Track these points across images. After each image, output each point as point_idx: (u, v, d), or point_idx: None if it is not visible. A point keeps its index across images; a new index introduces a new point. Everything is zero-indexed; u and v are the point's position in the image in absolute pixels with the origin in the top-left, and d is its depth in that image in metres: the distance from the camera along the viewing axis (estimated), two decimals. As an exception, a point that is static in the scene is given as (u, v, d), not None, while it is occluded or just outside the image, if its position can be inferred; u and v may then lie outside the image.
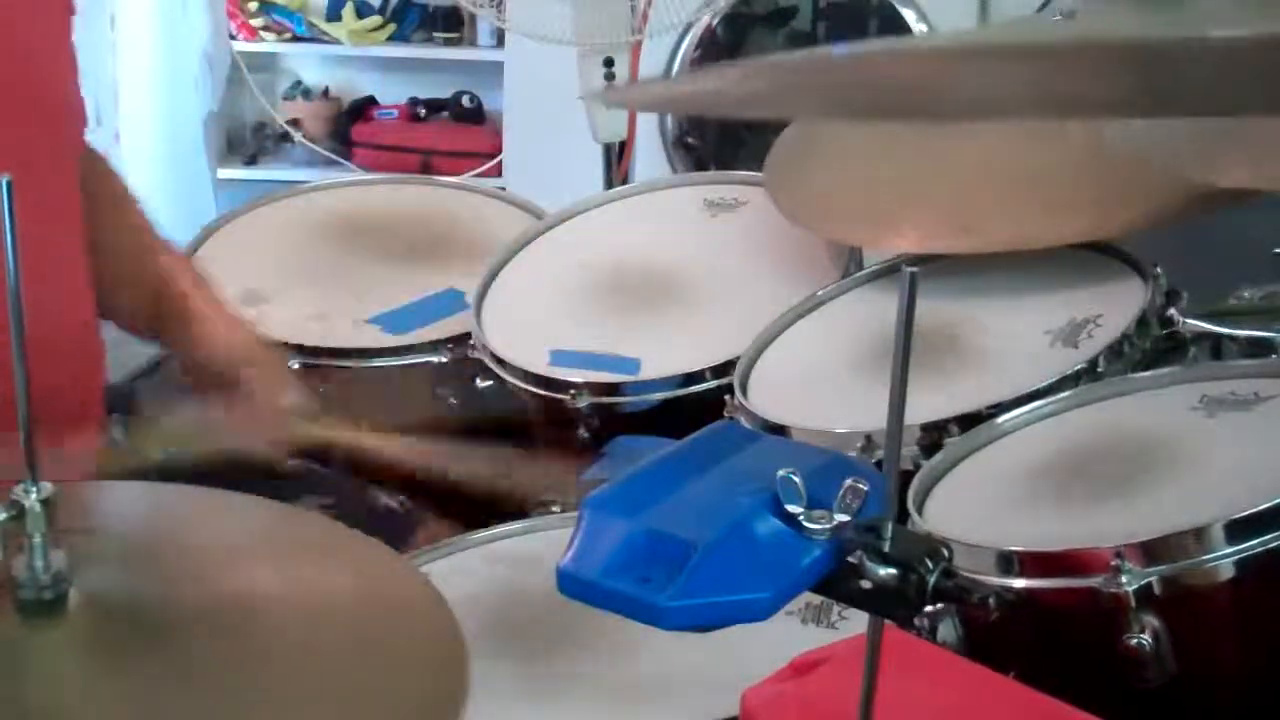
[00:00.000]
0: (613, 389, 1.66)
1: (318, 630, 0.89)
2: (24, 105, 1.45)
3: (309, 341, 1.80)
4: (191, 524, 1.02)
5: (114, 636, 0.85)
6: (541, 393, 1.68)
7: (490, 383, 1.73)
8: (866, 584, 0.82)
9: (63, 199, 1.51)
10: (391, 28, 4.51)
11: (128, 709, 0.82)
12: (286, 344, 1.76)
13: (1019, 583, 1.22)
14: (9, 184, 0.77)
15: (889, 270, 1.73)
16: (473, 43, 4.46)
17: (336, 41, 4.51)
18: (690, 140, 3.45)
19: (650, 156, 3.33)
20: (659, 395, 1.66)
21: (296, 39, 4.54)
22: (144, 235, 1.69)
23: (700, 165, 3.39)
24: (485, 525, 1.46)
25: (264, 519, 1.04)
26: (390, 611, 0.92)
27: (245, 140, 4.62)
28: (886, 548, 0.81)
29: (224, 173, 4.37)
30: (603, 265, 1.86)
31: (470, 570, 1.39)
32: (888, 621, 0.83)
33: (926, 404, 1.44)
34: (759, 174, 1.89)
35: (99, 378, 1.61)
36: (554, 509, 1.49)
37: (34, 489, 0.82)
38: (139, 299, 1.65)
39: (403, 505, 1.65)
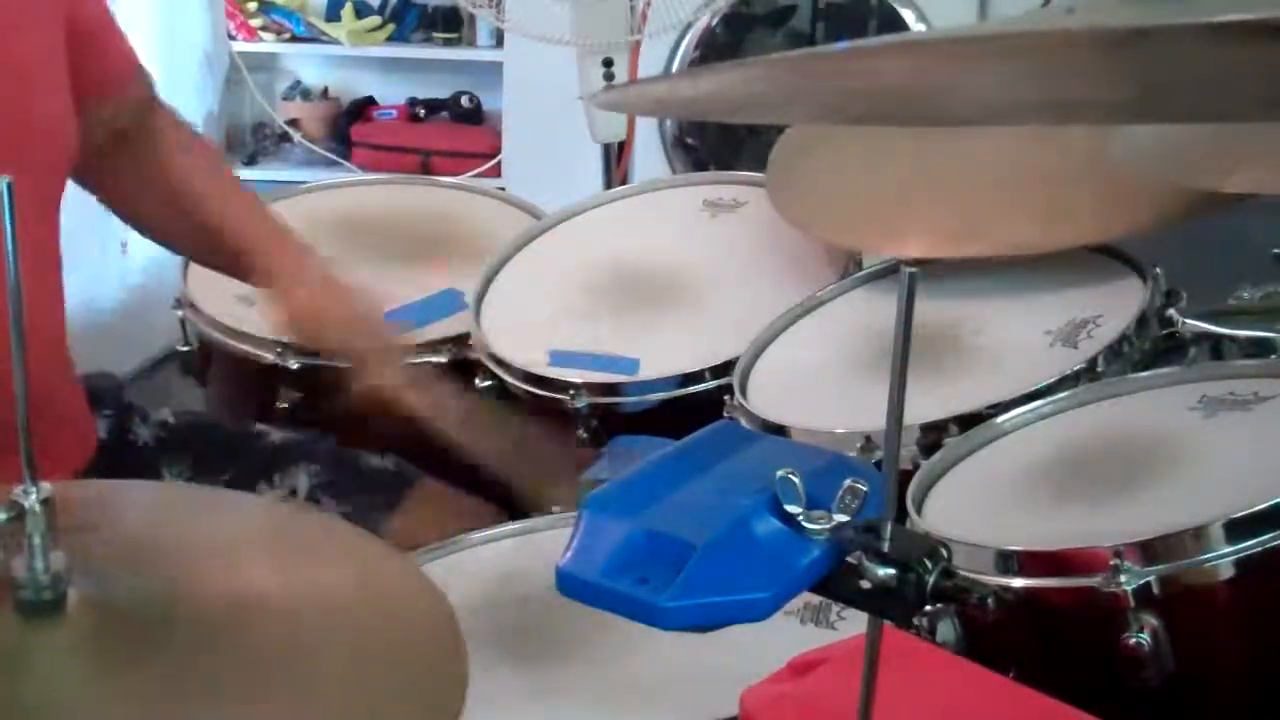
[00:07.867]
0: (612, 389, 1.66)
1: (317, 630, 0.88)
2: (9, 120, 1.45)
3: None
4: (191, 524, 1.02)
5: (114, 637, 0.84)
6: (541, 393, 1.68)
7: (490, 383, 1.73)
8: (866, 584, 0.82)
9: (45, 210, 1.52)
10: (391, 28, 4.51)
11: (127, 709, 0.82)
12: (287, 344, 1.76)
13: (1018, 582, 1.22)
14: (10, 185, 0.77)
15: (888, 270, 1.73)
16: (472, 43, 4.46)
17: (336, 42, 4.51)
18: (690, 141, 3.46)
19: (649, 157, 3.33)
20: (658, 395, 1.66)
21: (295, 39, 4.54)
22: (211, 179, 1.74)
23: (700, 165, 3.39)
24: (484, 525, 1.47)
25: (264, 519, 1.04)
26: (390, 611, 0.92)
27: (244, 140, 4.62)
28: (885, 548, 0.81)
29: (223, 173, 4.36)
30: (602, 265, 1.86)
31: (470, 570, 1.39)
32: (886, 621, 0.83)
33: (926, 404, 1.44)
34: (759, 174, 1.89)
35: (72, 377, 1.62)
36: (554, 509, 1.49)
37: (34, 489, 0.82)
38: (202, 240, 1.70)
39: (395, 464, 1.65)
